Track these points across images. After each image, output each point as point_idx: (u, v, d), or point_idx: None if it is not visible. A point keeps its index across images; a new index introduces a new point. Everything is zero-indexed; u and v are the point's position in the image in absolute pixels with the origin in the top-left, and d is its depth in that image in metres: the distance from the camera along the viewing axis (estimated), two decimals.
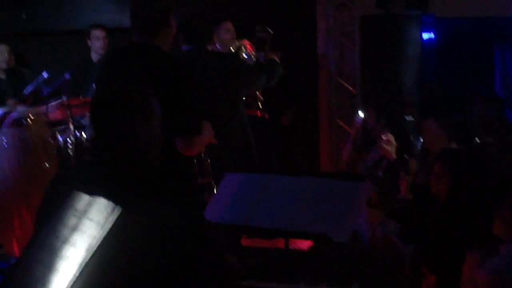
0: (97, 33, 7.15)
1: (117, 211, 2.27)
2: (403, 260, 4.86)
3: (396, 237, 5.13)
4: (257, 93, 6.66)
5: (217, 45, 6.22)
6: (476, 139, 6.10)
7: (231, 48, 6.09)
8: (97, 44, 7.16)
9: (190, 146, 3.93)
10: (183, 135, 3.87)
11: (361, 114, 7.68)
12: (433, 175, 4.73)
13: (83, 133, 6.21)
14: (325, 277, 3.33)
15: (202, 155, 4.45)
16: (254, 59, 6.07)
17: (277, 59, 5.93)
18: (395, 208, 5.60)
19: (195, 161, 4.37)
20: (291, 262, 3.57)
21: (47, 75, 6.20)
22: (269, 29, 6.42)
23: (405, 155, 6.05)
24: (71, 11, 8.74)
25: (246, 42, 6.15)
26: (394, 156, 5.92)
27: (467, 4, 8.88)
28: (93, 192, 2.35)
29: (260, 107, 6.78)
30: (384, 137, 5.98)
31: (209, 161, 4.49)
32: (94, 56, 7.20)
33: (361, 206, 3.60)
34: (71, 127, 6.21)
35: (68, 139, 6.21)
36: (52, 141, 5.98)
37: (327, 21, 8.94)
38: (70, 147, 6.22)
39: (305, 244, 4.51)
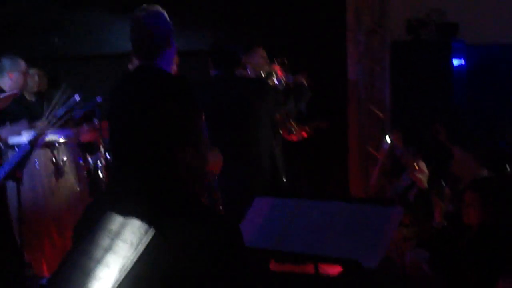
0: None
1: (151, 232, 2.28)
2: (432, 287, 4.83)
3: (427, 265, 5.10)
4: (290, 119, 6.70)
5: (248, 70, 6.25)
6: (507, 166, 6.05)
7: (261, 73, 6.11)
8: None
9: (205, 162, 3.89)
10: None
11: (388, 139, 7.66)
12: (464, 204, 4.70)
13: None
14: None
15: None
16: (284, 84, 6.08)
17: (305, 81, 5.94)
18: (426, 236, 5.56)
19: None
20: (318, 286, 3.55)
21: (79, 98, 6.27)
22: (285, 59, 6.44)
23: (441, 181, 6.00)
24: (102, 35, 8.83)
25: (277, 67, 6.16)
26: (426, 185, 5.87)
27: (498, 30, 8.84)
28: (127, 213, 2.36)
29: (294, 132, 6.80)
30: (416, 165, 5.93)
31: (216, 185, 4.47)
32: None
33: (392, 232, 3.57)
34: (102, 149, 6.27)
35: (98, 161, 6.27)
36: (83, 164, 6.03)
37: (358, 47, 8.94)
38: (101, 169, 6.27)
39: (335, 270, 4.49)
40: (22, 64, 6.26)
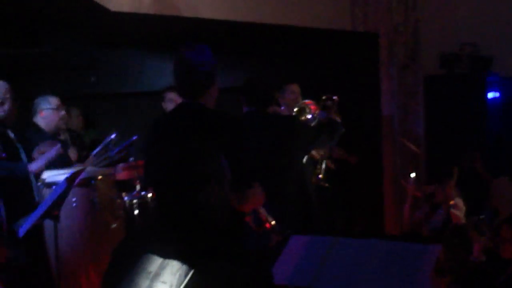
0: (172, 95, 7.05)
1: (190, 273, 2.29)
2: None
3: None
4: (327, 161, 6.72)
5: (282, 106, 6.27)
6: None
7: (294, 109, 6.12)
8: (171, 106, 7.18)
9: (245, 200, 3.66)
10: (237, 189, 3.77)
11: (413, 175, 7.63)
12: (501, 238, 4.65)
13: (149, 193, 6.30)
14: None
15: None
16: (317, 120, 6.08)
17: (339, 119, 5.93)
18: (462, 271, 5.50)
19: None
20: None
21: (115, 136, 6.33)
22: (334, 97, 6.44)
23: (480, 216, 5.95)
24: (137, 73, 8.94)
25: (309, 102, 6.16)
26: (463, 220, 5.81)
27: None
28: (165, 254, 2.37)
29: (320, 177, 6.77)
30: (453, 202, 5.89)
31: (263, 210, 4.40)
32: None
33: (430, 270, 3.54)
34: (138, 187, 6.31)
35: (134, 199, 6.30)
36: (119, 201, 6.07)
37: (391, 82, 8.94)
38: (136, 207, 6.30)
39: None
40: (53, 100, 6.33)
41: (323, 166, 6.78)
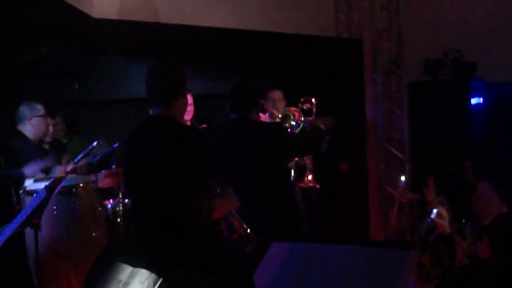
0: None
1: (159, 282, 2.27)
2: None
3: None
4: (308, 163, 6.72)
5: (267, 113, 6.26)
6: None
7: (279, 115, 6.12)
8: None
9: (212, 211, 3.83)
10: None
11: (403, 178, 7.64)
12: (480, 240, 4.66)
13: None
14: None
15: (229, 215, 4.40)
16: (301, 126, 6.07)
17: (322, 126, 5.92)
18: (447, 277, 5.51)
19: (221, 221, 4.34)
20: None
21: (96, 143, 6.30)
22: (313, 100, 6.46)
23: (463, 220, 5.96)
24: (120, 80, 8.92)
25: (294, 109, 6.16)
26: (448, 230, 5.80)
27: None
28: (136, 263, 2.36)
29: (310, 178, 6.82)
30: (435, 211, 5.88)
31: (236, 220, 4.42)
32: None
33: (410, 275, 3.53)
34: (120, 195, 6.28)
35: (117, 207, 6.27)
36: (101, 209, 6.03)
37: (375, 88, 8.97)
38: (119, 215, 6.27)
39: None
40: (41, 108, 6.29)
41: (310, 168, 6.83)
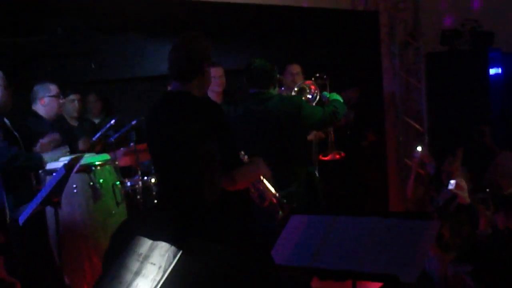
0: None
1: (178, 254, 2.28)
2: None
3: (469, 277, 5.04)
4: (330, 136, 6.73)
5: (283, 87, 6.25)
6: None
7: (294, 89, 6.11)
8: None
9: (233, 181, 3.74)
10: (224, 172, 3.84)
11: (419, 148, 7.62)
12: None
13: (152, 178, 6.28)
14: None
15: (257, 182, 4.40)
16: (318, 99, 6.07)
17: (340, 98, 5.90)
18: (468, 247, 5.50)
19: (251, 189, 4.35)
20: None
21: (114, 121, 6.31)
22: (324, 76, 6.45)
23: (487, 190, 5.94)
24: (137, 59, 8.90)
25: (309, 83, 6.15)
26: (468, 200, 5.77)
27: None
28: (156, 237, 2.37)
29: (334, 149, 6.83)
30: (453, 182, 5.84)
31: (263, 186, 4.44)
32: None
33: (429, 246, 3.53)
34: (139, 172, 6.30)
35: (136, 184, 6.29)
36: (120, 187, 6.05)
37: (392, 60, 8.91)
38: (138, 192, 6.29)
39: (375, 285, 4.46)
40: (53, 88, 6.31)
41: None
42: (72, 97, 7.53)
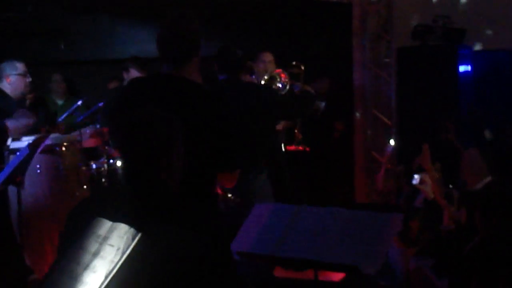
0: (135, 72, 6.91)
1: (138, 236, 2.26)
2: None
3: (431, 271, 5.07)
4: (296, 130, 6.76)
5: (253, 75, 6.24)
6: None
7: (264, 77, 6.09)
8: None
9: (234, 179, 3.86)
10: (229, 170, 3.77)
11: (392, 142, 7.66)
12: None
13: (118, 161, 6.23)
14: None
15: None
16: (288, 88, 6.06)
17: (312, 90, 5.91)
18: (430, 242, 5.53)
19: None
20: None
21: (81, 102, 6.26)
22: (301, 65, 6.46)
23: (450, 186, 5.97)
24: (107, 41, 8.85)
25: (280, 71, 6.14)
26: (432, 195, 5.81)
27: (504, 36, 8.79)
28: (115, 218, 2.34)
29: (299, 141, 6.87)
30: (417, 177, 5.88)
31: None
32: None
33: (392, 238, 3.54)
34: (105, 155, 6.25)
35: (101, 167, 6.24)
36: (85, 169, 6.00)
37: (364, 53, 8.91)
38: (104, 175, 6.24)
39: (338, 276, 4.47)
40: (20, 66, 6.22)
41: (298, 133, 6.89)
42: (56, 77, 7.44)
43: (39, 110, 6.99)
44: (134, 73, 6.61)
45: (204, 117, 3.48)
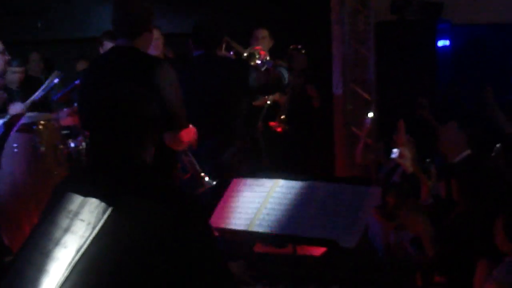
0: (110, 45, 7.05)
1: (108, 211, 2.25)
2: (415, 268, 4.80)
3: (410, 245, 5.08)
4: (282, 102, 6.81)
5: (232, 52, 6.22)
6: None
7: (244, 54, 6.06)
8: None
9: (179, 140, 4.15)
10: (173, 130, 4.07)
11: (370, 115, 7.67)
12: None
13: None
14: (335, 283, 3.29)
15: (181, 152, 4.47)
16: (266, 66, 6.04)
17: (286, 66, 5.92)
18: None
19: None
20: (301, 267, 3.52)
21: (57, 80, 6.19)
22: (302, 49, 6.59)
23: (427, 160, 5.98)
24: (84, 19, 8.79)
25: (259, 48, 6.12)
26: (411, 169, 5.82)
27: (483, 10, 8.79)
28: (86, 193, 2.33)
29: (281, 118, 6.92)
30: (396, 151, 5.87)
31: (188, 158, 4.51)
32: None
33: (370, 211, 3.54)
34: (83, 133, 6.21)
35: (79, 145, 6.20)
36: (62, 147, 5.96)
37: (342, 28, 8.88)
38: (82, 153, 6.21)
39: (319, 250, 4.47)
40: None
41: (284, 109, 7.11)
42: (15, 69, 7.34)
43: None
44: (108, 45, 6.62)
45: (156, 85, 3.89)
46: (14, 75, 7.30)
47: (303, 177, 3.73)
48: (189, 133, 4.27)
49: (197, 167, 4.51)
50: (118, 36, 4.11)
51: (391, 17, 8.81)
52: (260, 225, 3.54)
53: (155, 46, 6.57)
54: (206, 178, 4.55)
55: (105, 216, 2.24)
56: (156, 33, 6.59)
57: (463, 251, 4.17)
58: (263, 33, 7.16)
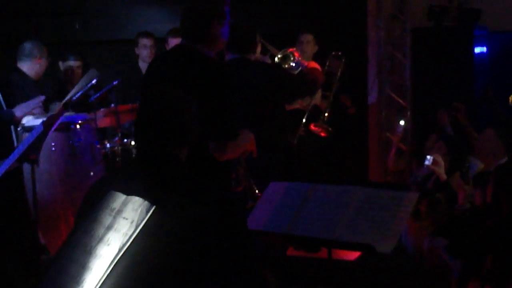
0: (145, 41, 7.22)
1: (152, 209, 2.26)
2: (450, 275, 4.79)
3: (444, 251, 5.06)
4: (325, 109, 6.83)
5: (267, 55, 6.21)
6: None
7: (278, 56, 6.04)
8: (144, 52, 7.22)
9: (223, 151, 3.93)
10: (217, 139, 3.90)
11: (402, 122, 7.65)
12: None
13: (131, 141, 6.24)
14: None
15: (237, 163, 4.37)
16: (301, 68, 6.02)
17: (319, 68, 5.89)
18: (444, 222, 5.52)
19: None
20: (335, 272, 3.51)
21: (95, 81, 6.25)
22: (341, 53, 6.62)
23: (467, 165, 5.97)
24: (123, 20, 8.84)
25: (293, 50, 6.09)
26: (444, 176, 5.79)
27: None
28: (129, 191, 2.35)
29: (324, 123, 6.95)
30: (430, 158, 5.85)
31: (243, 170, 4.41)
32: (142, 64, 7.23)
33: (406, 217, 3.52)
34: (119, 134, 6.25)
35: (115, 146, 6.24)
36: (99, 147, 6.02)
37: (378, 33, 8.87)
38: (117, 154, 6.25)
39: (352, 256, 4.46)
40: (44, 48, 6.36)
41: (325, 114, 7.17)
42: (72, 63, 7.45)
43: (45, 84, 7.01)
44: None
45: (206, 86, 3.74)
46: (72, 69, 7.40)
47: (340, 181, 3.72)
48: (236, 148, 4.08)
49: (251, 180, 4.42)
50: (183, 37, 4.08)
51: (428, 23, 8.76)
52: (296, 228, 3.54)
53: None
54: (257, 191, 4.43)
55: (149, 215, 2.26)
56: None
57: (498, 259, 4.14)
58: (308, 37, 7.27)
